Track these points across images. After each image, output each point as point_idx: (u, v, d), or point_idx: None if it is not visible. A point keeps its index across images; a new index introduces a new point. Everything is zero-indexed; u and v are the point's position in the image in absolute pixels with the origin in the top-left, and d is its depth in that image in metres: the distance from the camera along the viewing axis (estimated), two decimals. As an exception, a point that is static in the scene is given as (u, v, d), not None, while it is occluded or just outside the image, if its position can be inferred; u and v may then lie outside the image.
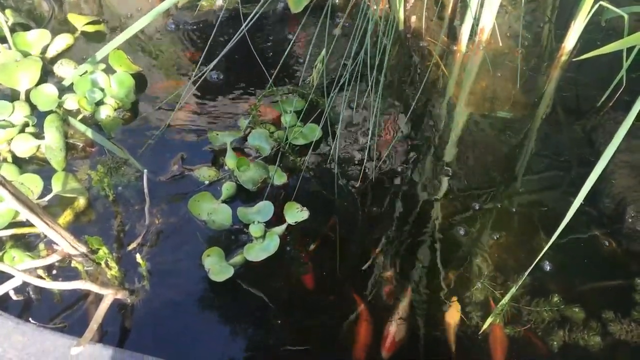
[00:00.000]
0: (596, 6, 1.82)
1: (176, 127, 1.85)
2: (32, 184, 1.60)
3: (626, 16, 1.76)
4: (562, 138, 1.91)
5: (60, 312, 1.41)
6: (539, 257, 1.30)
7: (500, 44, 2.15)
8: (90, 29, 2.15)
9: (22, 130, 1.75)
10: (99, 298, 1.40)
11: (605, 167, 1.20)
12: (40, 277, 1.43)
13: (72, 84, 1.87)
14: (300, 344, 1.40)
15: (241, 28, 1.63)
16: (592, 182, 1.20)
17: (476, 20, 2.08)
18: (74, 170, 1.70)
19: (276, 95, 1.92)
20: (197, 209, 1.61)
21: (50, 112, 1.77)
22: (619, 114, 1.89)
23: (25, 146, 1.71)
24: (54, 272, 1.48)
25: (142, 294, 1.45)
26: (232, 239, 1.58)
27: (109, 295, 1.37)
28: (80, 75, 1.87)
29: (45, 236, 1.45)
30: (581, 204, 1.21)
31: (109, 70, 1.91)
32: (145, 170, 1.63)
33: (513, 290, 1.38)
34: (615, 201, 1.66)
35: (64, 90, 1.87)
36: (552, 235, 1.24)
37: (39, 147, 1.73)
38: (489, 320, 1.41)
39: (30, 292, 1.45)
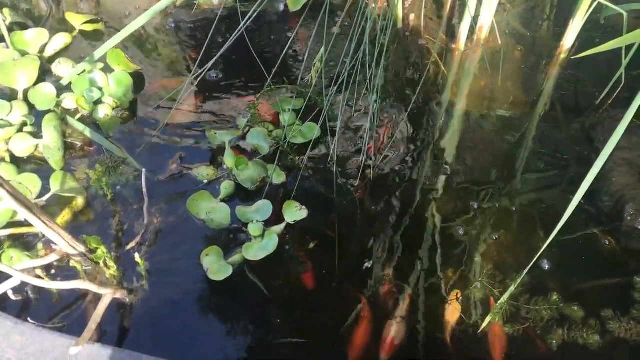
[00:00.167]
0: (595, 4, 1.81)
1: (175, 126, 1.85)
2: (30, 183, 1.60)
3: (625, 14, 1.76)
4: (560, 136, 1.91)
5: (58, 312, 1.41)
6: (537, 256, 1.30)
7: (499, 42, 2.15)
8: (88, 27, 2.15)
9: (20, 130, 1.75)
10: (97, 298, 1.39)
11: (604, 164, 1.20)
12: (39, 277, 1.43)
13: (70, 83, 1.87)
14: (299, 342, 1.40)
15: (239, 27, 1.63)
16: (590, 180, 1.20)
17: (475, 19, 2.08)
18: (72, 169, 1.70)
19: (275, 94, 1.92)
20: (195, 208, 1.61)
21: (49, 111, 1.77)
22: (618, 112, 1.89)
23: (23, 146, 1.71)
24: (53, 271, 1.48)
25: (140, 293, 1.45)
26: (230, 238, 1.58)
27: (108, 295, 1.37)
28: (79, 75, 1.87)
29: (44, 236, 1.45)
30: (580, 202, 1.21)
31: (107, 69, 1.90)
32: (143, 170, 1.62)
33: (512, 288, 1.37)
34: (614, 199, 1.66)
35: (62, 89, 1.87)
36: (551, 234, 1.24)
37: (37, 146, 1.72)
38: (488, 318, 1.41)
39: (29, 292, 1.45)
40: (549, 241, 1.24)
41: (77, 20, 2.13)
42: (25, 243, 1.53)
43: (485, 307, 1.47)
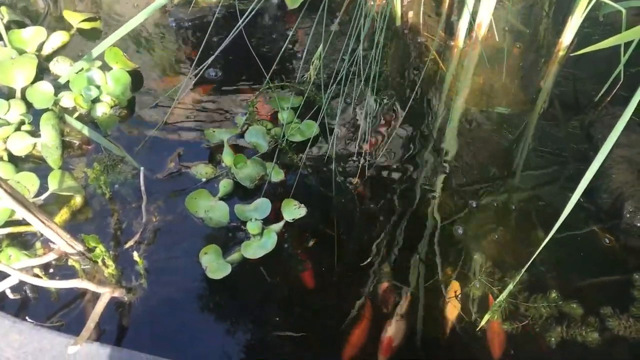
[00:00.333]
0: (594, 1, 1.81)
1: (173, 125, 1.85)
2: (28, 182, 1.60)
3: (624, 11, 1.75)
4: (559, 133, 1.91)
5: (57, 311, 1.41)
6: (536, 253, 1.30)
7: (498, 40, 2.15)
8: (86, 26, 2.14)
9: (18, 129, 1.75)
10: (96, 296, 1.39)
11: (603, 162, 1.19)
12: (37, 276, 1.43)
13: (68, 81, 1.87)
14: (298, 341, 1.40)
15: (237, 24, 1.62)
16: (589, 178, 1.20)
17: (473, 16, 2.07)
18: (70, 168, 1.70)
19: (273, 92, 1.91)
20: (194, 207, 1.60)
21: (46, 110, 1.76)
22: (617, 109, 1.89)
23: (21, 144, 1.70)
24: (51, 270, 1.48)
25: (139, 292, 1.45)
26: (229, 236, 1.58)
27: (106, 294, 1.37)
28: (76, 73, 1.86)
29: (42, 235, 1.44)
30: (579, 199, 1.20)
31: (105, 68, 1.90)
32: (142, 168, 1.62)
33: (511, 286, 1.37)
34: (613, 196, 1.66)
35: (59, 87, 1.86)
36: (550, 231, 1.24)
37: (35, 145, 1.72)
38: (487, 316, 1.41)
39: (27, 291, 1.45)
40: (547, 239, 1.24)
41: (74, 19, 2.13)
42: (24, 242, 1.53)
43: (484, 305, 1.47)
